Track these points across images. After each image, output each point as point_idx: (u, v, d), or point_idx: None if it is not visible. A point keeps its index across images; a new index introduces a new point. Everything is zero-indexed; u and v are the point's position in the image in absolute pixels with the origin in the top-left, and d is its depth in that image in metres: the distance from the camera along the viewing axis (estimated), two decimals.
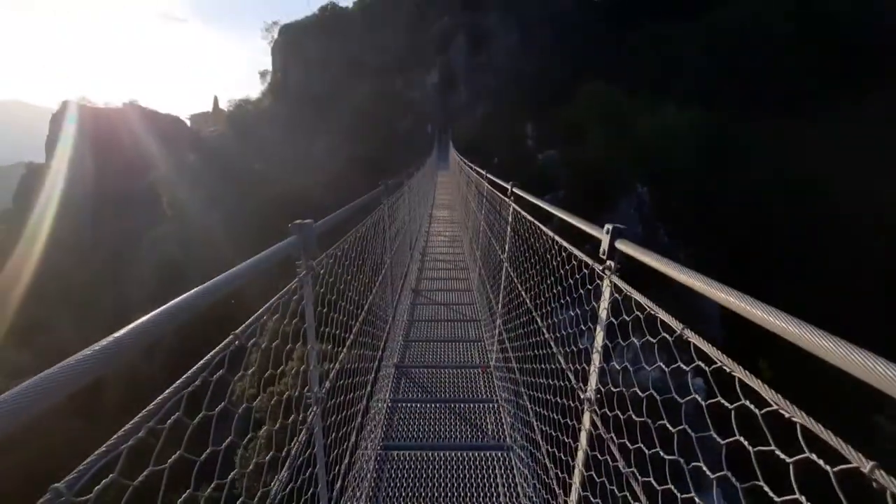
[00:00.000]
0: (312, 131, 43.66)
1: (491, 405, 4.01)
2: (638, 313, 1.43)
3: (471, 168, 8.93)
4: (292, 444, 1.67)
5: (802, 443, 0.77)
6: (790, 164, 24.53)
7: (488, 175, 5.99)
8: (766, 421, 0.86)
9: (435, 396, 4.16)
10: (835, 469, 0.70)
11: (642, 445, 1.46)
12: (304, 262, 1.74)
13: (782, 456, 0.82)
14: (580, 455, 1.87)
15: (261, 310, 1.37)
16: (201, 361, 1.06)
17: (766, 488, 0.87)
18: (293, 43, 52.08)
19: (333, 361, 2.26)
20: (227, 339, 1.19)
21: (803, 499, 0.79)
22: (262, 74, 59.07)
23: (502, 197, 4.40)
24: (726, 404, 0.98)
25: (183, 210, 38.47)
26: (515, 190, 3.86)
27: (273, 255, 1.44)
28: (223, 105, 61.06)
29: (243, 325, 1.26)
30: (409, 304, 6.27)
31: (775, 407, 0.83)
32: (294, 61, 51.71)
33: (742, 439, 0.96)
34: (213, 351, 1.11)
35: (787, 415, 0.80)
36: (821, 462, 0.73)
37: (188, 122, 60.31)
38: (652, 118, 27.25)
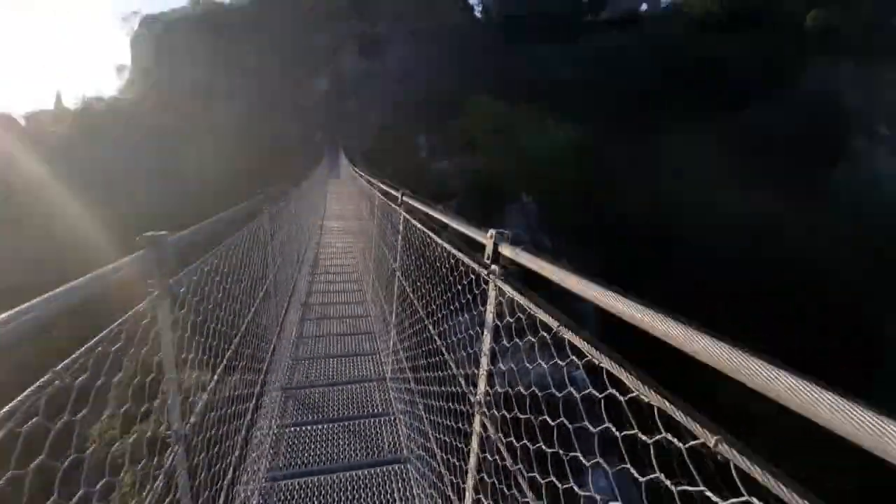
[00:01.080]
0: (184, 136, 39.22)
1: (387, 418, 3.90)
2: (520, 315, 1.47)
3: (362, 177, 8.77)
4: (144, 495, 1.41)
5: (659, 423, 0.84)
6: (651, 179, 28.48)
7: (379, 183, 5.91)
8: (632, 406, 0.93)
9: (327, 416, 3.93)
10: (686, 445, 0.77)
11: (527, 442, 1.51)
12: (159, 280, 1.50)
13: (643, 437, 0.88)
14: (472, 459, 1.88)
15: (92, 341, 1.12)
16: (4, 410, 0.83)
17: (633, 470, 0.93)
18: (159, 37, 46.51)
19: (201, 391, 1.99)
20: (45, 378, 0.96)
21: (662, 476, 0.85)
22: (119, 69, 51.76)
23: (393, 205, 4.36)
24: (595, 394, 1.03)
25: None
26: (406, 198, 3.84)
27: (111, 274, 1.19)
28: (68, 103, 52.03)
29: (65, 362, 1.02)
30: (298, 319, 5.88)
31: (636, 393, 0.89)
32: (159, 58, 46.06)
33: (611, 426, 1.02)
34: (21, 396, 0.88)
35: (645, 399, 0.86)
36: (675, 440, 0.79)
37: (23, 122, 50.22)
38: (534, 132, 29.60)
